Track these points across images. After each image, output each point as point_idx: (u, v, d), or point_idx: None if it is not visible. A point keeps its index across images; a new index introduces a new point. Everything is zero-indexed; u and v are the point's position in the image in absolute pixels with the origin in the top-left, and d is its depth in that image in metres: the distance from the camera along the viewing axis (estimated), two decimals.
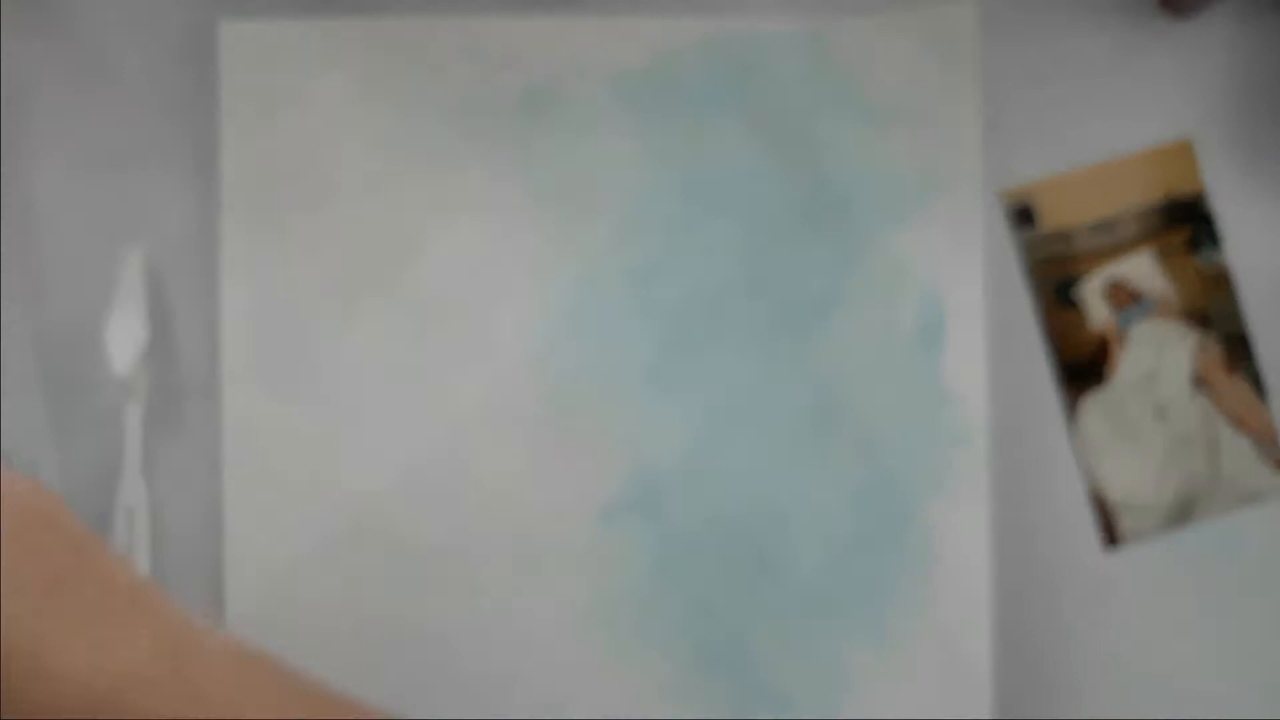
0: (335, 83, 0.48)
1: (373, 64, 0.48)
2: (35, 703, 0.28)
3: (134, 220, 0.48)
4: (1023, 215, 0.49)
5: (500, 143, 0.48)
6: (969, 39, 0.48)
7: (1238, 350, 0.48)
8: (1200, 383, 0.48)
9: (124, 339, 0.47)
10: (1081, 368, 0.48)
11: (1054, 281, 0.49)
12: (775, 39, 0.48)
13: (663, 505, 0.47)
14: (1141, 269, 0.49)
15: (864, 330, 0.48)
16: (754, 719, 0.47)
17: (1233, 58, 0.49)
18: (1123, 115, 0.49)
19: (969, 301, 0.47)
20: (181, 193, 0.48)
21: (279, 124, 0.47)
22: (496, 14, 0.48)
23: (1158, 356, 0.48)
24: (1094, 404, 0.48)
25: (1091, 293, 0.49)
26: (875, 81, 0.48)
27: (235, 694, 0.30)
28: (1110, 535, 0.48)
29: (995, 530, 0.47)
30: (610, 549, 0.47)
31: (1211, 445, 0.48)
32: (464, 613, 0.47)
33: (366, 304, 0.47)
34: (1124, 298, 0.49)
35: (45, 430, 0.47)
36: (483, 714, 0.46)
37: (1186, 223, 0.49)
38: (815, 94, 0.48)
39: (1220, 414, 0.48)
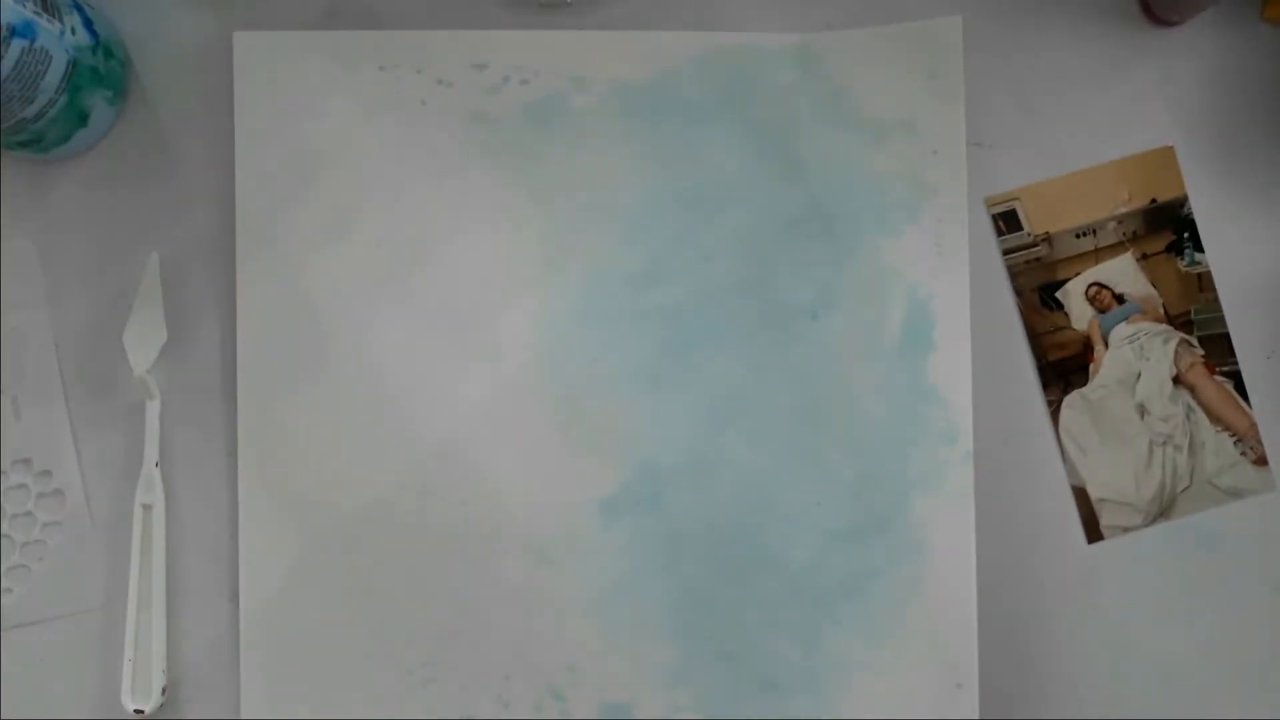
0: (346, 93, 0.48)
1: (383, 75, 0.48)
2: None
3: (153, 225, 0.49)
4: (1008, 220, 0.49)
5: (506, 151, 0.48)
6: (955, 50, 0.49)
7: (1218, 351, 0.49)
8: (1181, 382, 0.49)
9: (143, 340, 0.48)
10: (1065, 368, 0.49)
11: (1038, 284, 0.50)
12: (769, 52, 0.49)
13: (662, 499, 0.48)
14: (1124, 272, 0.49)
15: (854, 332, 0.48)
16: (746, 713, 0.47)
17: (1213, 66, 0.50)
18: (1105, 123, 0.49)
19: (955, 304, 0.48)
20: (199, 199, 0.49)
21: (291, 132, 0.48)
22: (503, 27, 0.49)
23: (1139, 357, 0.49)
24: (1077, 403, 0.49)
25: (1075, 295, 0.49)
26: (865, 92, 0.49)
27: None
28: (1092, 531, 0.49)
29: (981, 526, 0.48)
30: (611, 540, 0.48)
31: (1192, 443, 0.49)
32: (472, 603, 0.47)
33: (377, 306, 0.48)
34: (1106, 300, 0.50)
35: (66, 428, 0.48)
36: (489, 699, 0.47)
37: (1168, 227, 0.50)
38: (807, 104, 0.49)
39: (1201, 413, 0.49)
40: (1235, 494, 0.49)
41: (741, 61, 0.49)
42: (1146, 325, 0.49)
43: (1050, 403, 0.49)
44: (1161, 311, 0.49)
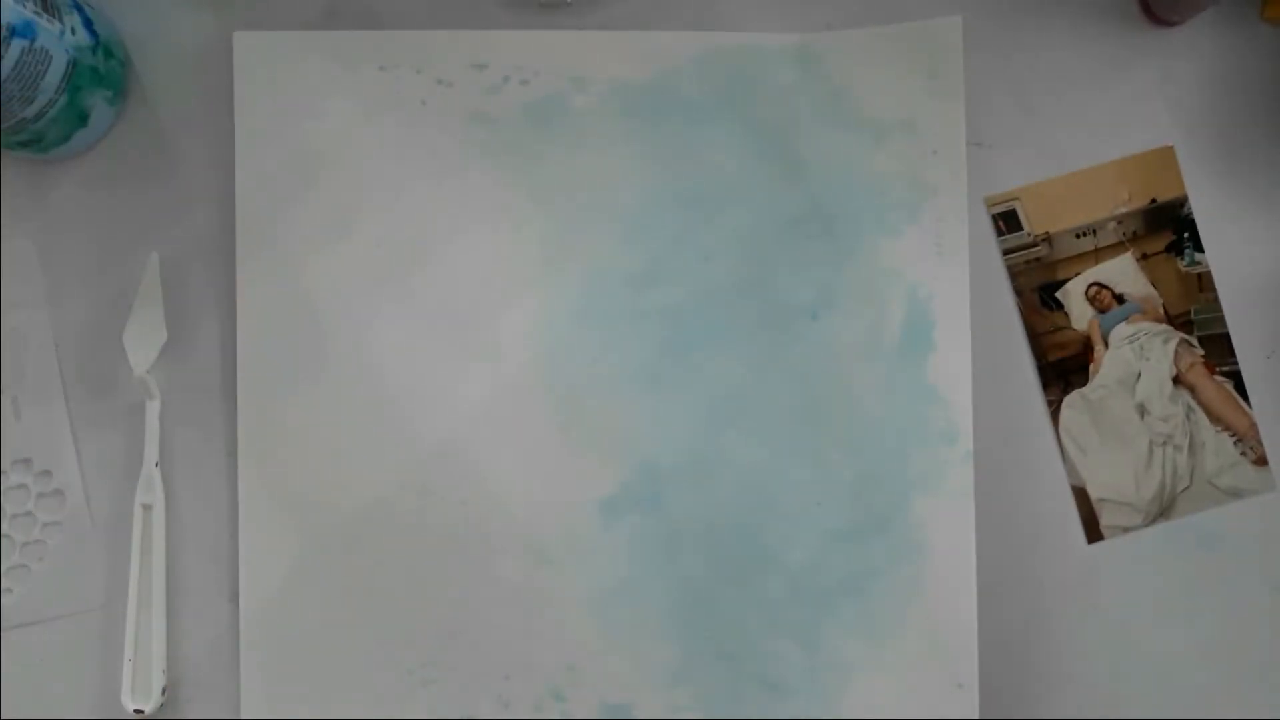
0: (346, 93, 0.48)
1: (383, 75, 0.48)
2: None
3: (153, 226, 0.49)
4: (1008, 220, 0.49)
5: (506, 151, 0.48)
6: (955, 50, 0.49)
7: (1218, 351, 0.49)
8: (1181, 382, 0.49)
9: (143, 340, 0.48)
10: (1065, 368, 0.49)
11: (1038, 284, 0.50)
12: (769, 52, 0.49)
13: (662, 499, 0.48)
14: (1124, 272, 0.50)
15: (854, 332, 0.48)
16: (746, 713, 0.47)
17: (1213, 66, 0.50)
18: (1105, 123, 0.49)
19: (955, 304, 0.48)
20: (199, 199, 0.49)
21: (291, 132, 0.48)
22: (503, 27, 0.49)
23: (1139, 357, 0.49)
24: (1077, 403, 0.49)
25: (1075, 295, 0.50)
26: (865, 92, 0.49)
27: None
28: (1092, 531, 0.49)
29: (981, 526, 0.48)
30: (611, 540, 0.48)
31: (1192, 443, 0.49)
32: (472, 603, 0.47)
33: (377, 305, 0.48)
34: (1106, 300, 0.50)
35: (66, 428, 0.48)
36: (489, 699, 0.47)
37: (1168, 227, 0.50)
38: (807, 104, 0.49)
39: (1201, 413, 0.49)
40: (1235, 494, 0.49)
41: (741, 61, 0.49)
42: (1146, 325, 0.49)
43: (1050, 403, 0.49)
44: (1161, 311, 0.49)
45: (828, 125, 0.49)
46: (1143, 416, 0.49)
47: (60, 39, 0.43)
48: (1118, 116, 0.50)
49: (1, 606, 0.47)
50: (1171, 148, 0.50)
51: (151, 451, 0.48)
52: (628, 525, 0.48)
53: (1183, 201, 0.50)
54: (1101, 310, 0.49)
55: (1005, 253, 0.50)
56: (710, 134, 0.49)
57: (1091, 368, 0.49)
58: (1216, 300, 0.49)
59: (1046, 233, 0.49)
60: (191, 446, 0.48)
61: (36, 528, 0.48)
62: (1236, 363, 0.49)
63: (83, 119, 0.47)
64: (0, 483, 0.48)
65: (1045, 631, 0.48)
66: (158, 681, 0.46)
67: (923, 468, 0.48)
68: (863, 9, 0.49)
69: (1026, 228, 0.49)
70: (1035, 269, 0.50)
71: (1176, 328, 0.49)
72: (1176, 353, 0.49)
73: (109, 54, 0.47)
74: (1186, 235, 0.49)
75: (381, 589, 0.47)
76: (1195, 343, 0.49)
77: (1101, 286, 0.50)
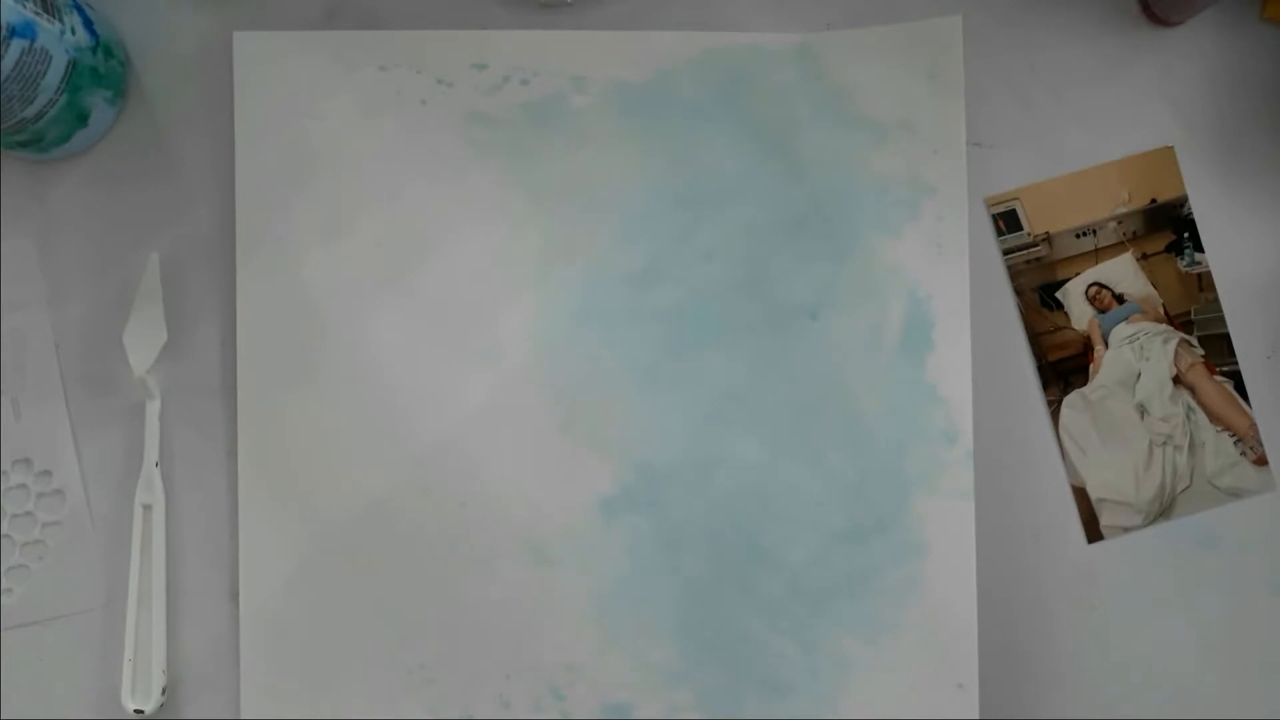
0: (346, 93, 0.48)
1: (383, 75, 0.49)
2: None
3: (153, 226, 0.49)
4: (1008, 220, 0.49)
5: (506, 151, 0.49)
6: (955, 50, 0.49)
7: (1218, 351, 0.49)
8: (1181, 382, 0.49)
9: (143, 340, 0.48)
10: (1065, 368, 0.49)
11: (1038, 284, 0.50)
12: (769, 52, 0.49)
13: (661, 499, 0.48)
14: (1124, 272, 0.50)
15: (854, 332, 0.48)
16: (746, 713, 0.47)
17: (1214, 66, 0.50)
18: (1105, 122, 0.50)
19: (956, 304, 0.48)
20: (199, 199, 0.49)
21: (291, 132, 0.48)
22: (503, 27, 0.49)
23: (1139, 357, 0.49)
24: (1077, 403, 0.49)
25: (1075, 295, 0.50)
26: (865, 92, 0.49)
27: None
28: (1092, 531, 0.49)
29: (981, 526, 0.48)
30: (611, 540, 0.48)
31: (1192, 443, 0.49)
32: (472, 602, 0.47)
33: (377, 306, 0.48)
34: (1106, 300, 0.50)
35: (66, 428, 0.48)
36: (489, 699, 0.47)
37: (1168, 227, 0.50)
38: (807, 104, 0.49)
39: (1201, 413, 0.49)
40: (1235, 494, 0.49)
41: (741, 61, 0.49)
42: (1146, 325, 0.49)
43: (1050, 403, 0.49)
44: (1161, 311, 0.49)
45: (828, 125, 0.49)
46: (1143, 416, 0.49)
47: (60, 39, 0.43)
48: (1118, 116, 0.50)
49: (1, 606, 0.47)
50: (1171, 148, 0.50)
51: (151, 451, 0.48)
52: (628, 525, 0.48)
53: (1183, 201, 0.50)
54: (1101, 310, 0.49)
55: (1005, 253, 0.50)
56: (710, 134, 0.49)
57: (1091, 368, 0.49)
58: (1216, 300, 0.49)
59: (1046, 233, 0.49)
60: (191, 446, 0.48)
61: (36, 528, 0.48)
62: (1236, 363, 0.49)
63: (83, 119, 0.47)
64: (0, 483, 0.48)
65: (1045, 631, 0.48)
66: (158, 681, 0.46)
67: (922, 467, 0.48)
68: (863, 9, 0.49)
69: (1026, 228, 0.49)
70: (1035, 269, 0.50)
71: (1176, 328, 0.49)
72: (1176, 353, 0.49)
73: (109, 54, 0.47)
74: (1186, 235, 0.49)
75: (381, 589, 0.47)
76: (1195, 343, 0.49)
77: (1101, 286, 0.50)
